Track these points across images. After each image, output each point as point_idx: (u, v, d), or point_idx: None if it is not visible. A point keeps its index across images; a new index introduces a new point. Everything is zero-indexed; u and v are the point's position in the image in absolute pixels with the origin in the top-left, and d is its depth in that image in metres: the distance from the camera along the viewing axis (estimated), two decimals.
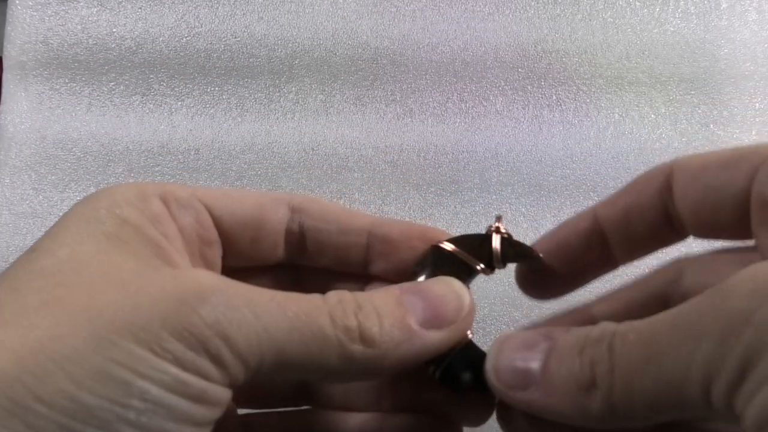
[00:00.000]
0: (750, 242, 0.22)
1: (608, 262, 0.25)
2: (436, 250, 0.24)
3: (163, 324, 0.17)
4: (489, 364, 0.22)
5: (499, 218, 0.25)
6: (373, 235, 0.25)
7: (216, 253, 0.24)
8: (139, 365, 0.17)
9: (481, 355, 0.23)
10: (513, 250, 0.25)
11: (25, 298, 0.18)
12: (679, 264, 0.24)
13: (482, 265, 0.24)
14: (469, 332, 0.23)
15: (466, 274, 0.24)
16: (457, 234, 0.25)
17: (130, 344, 0.17)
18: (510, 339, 0.22)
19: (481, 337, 0.27)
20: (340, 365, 0.19)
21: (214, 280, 0.19)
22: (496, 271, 0.25)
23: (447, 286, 0.22)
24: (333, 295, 0.20)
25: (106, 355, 0.16)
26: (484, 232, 0.25)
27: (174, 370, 0.17)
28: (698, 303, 0.18)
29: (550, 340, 0.21)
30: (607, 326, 0.19)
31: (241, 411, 0.26)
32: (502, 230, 0.25)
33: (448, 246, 0.24)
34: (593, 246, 0.24)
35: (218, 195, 0.24)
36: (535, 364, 0.20)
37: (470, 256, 0.24)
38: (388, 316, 0.20)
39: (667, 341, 0.17)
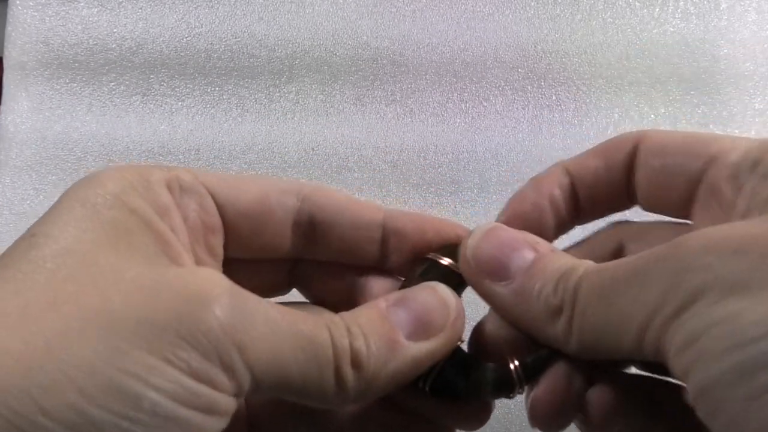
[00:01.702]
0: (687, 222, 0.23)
1: (571, 222, 0.25)
2: (425, 261, 0.24)
3: (177, 331, 0.17)
4: (469, 245, 0.22)
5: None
6: (387, 229, 0.24)
7: (219, 241, 0.23)
8: (151, 376, 0.16)
9: (471, 360, 0.23)
10: None
11: (30, 295, 0.17)
12: (619, 231, 0.25)
13: None
14: (459, 342, 0.23)
15: (456, 283, 0.24)
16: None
17: (143, 353, 0.16)
18: (497, 231, 0.23)
19: None
20: (336, 390, 0.19)
21: (226, 282, 0.19)
22: None
23: (432, 293, 0.22)
24: (328, 317, 0.20)
25: (118, 365, 0.16)
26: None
27: (187, 380, 0.17)
28: (653, 252, 0.19)
29: (536, 252, 0.22)
30: (582, 265, 0.21)
31: None
32: None
33: (436, 257, 0.24)
34: (567, 205, 0.24)
35: (222, 181, 0.23)
36: (516, 264, 0.21)
37: (458, 264, 0.24)
38: (374, 335, 0.20)
39: (620, 284, 0.19)
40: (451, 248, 0.24)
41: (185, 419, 0.17)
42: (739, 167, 0.21)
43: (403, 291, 0.22)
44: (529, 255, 0.21)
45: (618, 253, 0.24)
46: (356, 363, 0.19)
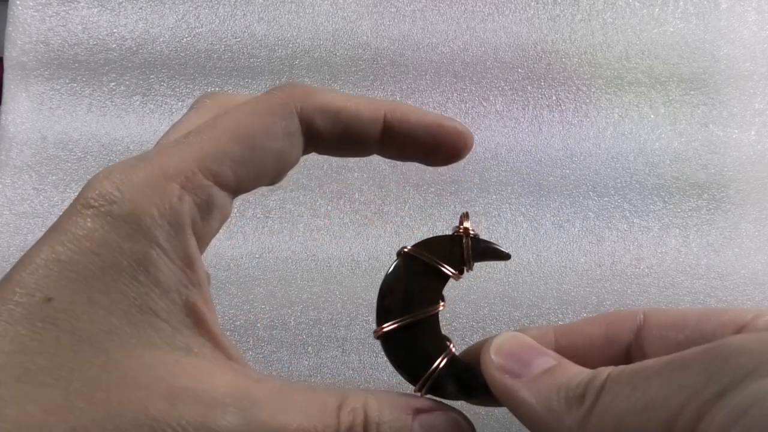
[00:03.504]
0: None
1: None
2: (406, 257, 0.24)
3: None
4: (493, 343, 0.23)
5: (466, 216, 0.25)
6: (391, 117, 0.25)
7: (216, 229, 0.24)
8: None
9: (464, 368, 0.24)
10: (482, 248, 0.24)
11: (70, 384, 0.18)
12: (641, 313, 0.25)
13: (454, 272, 0.24)
14: (451, 345, 0.23)
15: (438, 280, 0.24)
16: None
17: None
18: (521, 336, 0.23)
19: (481, 337, 0.27)
20: None
21: (234, 394, 0.20)
22: (495, 273, 0.25)
23: None
24: (347, 410, 0.20)
25: None
26: (451, 232, 0.25)
27: None
28: (690, 349, 0.19)
29: (558, 361, 0.22)
30: (609, 368, 0.21)
31: None
32: (471, 231, 0.24)
33: (417, 253, 0.24)
34: None
35: (239, 167, 0.23)
36: (537, 364, 0.22)
37: (441, 261, 0.24)
38: None
39: (653, 370, 0.19)
40: (427, 241, 0.24)
41: None
42: None
43: (435, 409, 0.22)
44: (550, 361, 0.22)
45: None
46: None
